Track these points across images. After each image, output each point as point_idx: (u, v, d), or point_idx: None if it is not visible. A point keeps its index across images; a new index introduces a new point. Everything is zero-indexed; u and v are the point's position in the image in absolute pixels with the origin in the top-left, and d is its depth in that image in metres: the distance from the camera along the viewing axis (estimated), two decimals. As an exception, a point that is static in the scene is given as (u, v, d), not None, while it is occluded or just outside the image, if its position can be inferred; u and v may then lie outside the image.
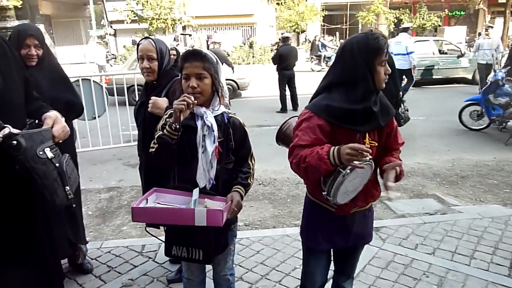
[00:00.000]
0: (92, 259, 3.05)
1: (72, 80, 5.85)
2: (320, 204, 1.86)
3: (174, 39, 17.85)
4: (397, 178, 1.77)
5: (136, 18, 20.91)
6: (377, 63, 1.68)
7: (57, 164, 1.54)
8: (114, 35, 23.65)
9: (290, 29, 22.39)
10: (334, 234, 1.90)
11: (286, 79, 9.24)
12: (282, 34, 10.65)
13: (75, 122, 5.39)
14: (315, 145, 1.66)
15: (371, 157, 1.63)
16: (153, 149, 1.85)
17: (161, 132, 1.82)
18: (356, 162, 1.56)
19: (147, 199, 1.83)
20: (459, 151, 6.18)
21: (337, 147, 1.60)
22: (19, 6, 21.06)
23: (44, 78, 2.49)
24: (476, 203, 4.26)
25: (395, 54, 10.20)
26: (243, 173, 2.00)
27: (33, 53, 2.46)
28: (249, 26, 23.94)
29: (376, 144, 1.72)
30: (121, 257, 3.10)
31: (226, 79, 8.22)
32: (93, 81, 5.79)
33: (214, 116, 1.90)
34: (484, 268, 2.90)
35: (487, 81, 8.03)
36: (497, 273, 2.84)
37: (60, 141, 1.58)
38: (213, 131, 1.84)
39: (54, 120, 1.56)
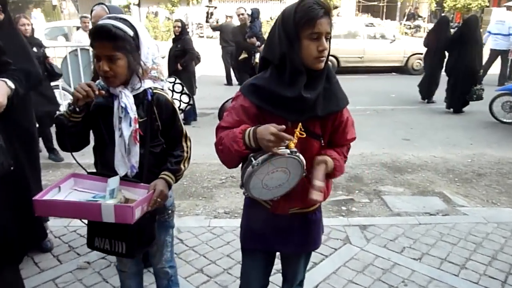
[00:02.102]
0: (55, 237, 2.96)
1: (70, 49, 5.87)
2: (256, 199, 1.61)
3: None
4: (331, 175, 1.52)
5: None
6: (305, 36, 1.38)
7: None
8: (138, 4, 23.51)
9: (322, 5, 21.48)
10: (268, 234, 1.67)
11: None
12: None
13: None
14: (245, 125, 1.44)
15: (295, 150, 1.37)
16: None
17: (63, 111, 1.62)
18: (277, 150, 1.33)
19: (59, 187, 1.63)
20: (483, 146, 5.66)
21: (254, 127, 1.37)
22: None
23: (3, 44, 2.34)
24: (487, 205, 3.84)
25: (494, 34, 9.50)
26: (174, 157, 1.76)
27: None
28: (278, 0, 23.16)
29: (304, 136, 1.43)
30: (84, 237, 2.96)
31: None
32: (92, 50, 5.65)
33: (136, 95, 1.66)
34: (473, 281, 2.57)
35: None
36: (487, 288, 2.51)
37: None
38: (128, 113, 1.61)
39: None
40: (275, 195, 1.51)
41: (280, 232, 1.67)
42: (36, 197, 1.53)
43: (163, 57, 6.36)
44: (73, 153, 1.70)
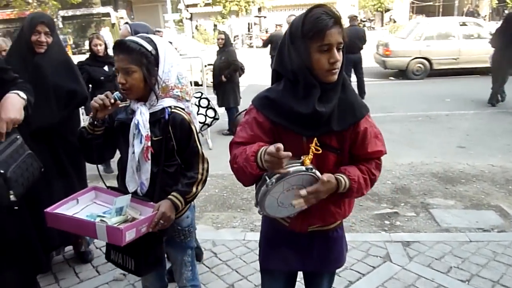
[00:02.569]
0: (97, 248, 3.07)
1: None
2: (275, 218, 1.56)
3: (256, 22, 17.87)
4: (346, 195, 1.43)
5: (210, 1, 21.22)
6: (314, 49, 1.32)
7: (1, 171, 1.64)
8: (190, 18, 24.32)
9: (373, 8, 20.85)
10: (288, 253, 1.60)
11: (351, 63, 8.58)
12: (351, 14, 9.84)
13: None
14: (253, 143, 1.39)
15: (311, 166, 1.31)
16: None
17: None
18: (290, 169, 1.27)
19: (77, 199, 1.68)
20: (549, 154, 5.16)
21: (266, 147, 1.30)
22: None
23: (49, 66, 2.52)
24: (552, 220, 3.47)
25: None
26: (187, 178, 1.74)
27: (43, 40, 2.47)
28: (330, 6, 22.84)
29: (320, 151, 1.34)
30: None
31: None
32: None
33: (153, 112, 1.67)
34: (531, 309, 2.31)
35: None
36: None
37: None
38: (139, 130, 1.62)
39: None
40: (291, 212, 1.45)
41: (300, 250, 1.60)
42: (48, 209, 1.58)
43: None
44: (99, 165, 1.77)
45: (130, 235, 1.52)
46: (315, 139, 1.35)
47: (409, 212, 3.66)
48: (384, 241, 3.07)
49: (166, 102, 1.72)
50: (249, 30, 22.43)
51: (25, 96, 1.70)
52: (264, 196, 1.33)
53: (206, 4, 21.62)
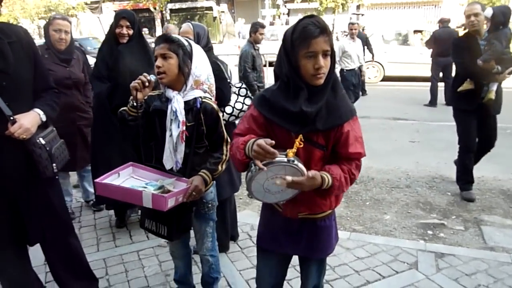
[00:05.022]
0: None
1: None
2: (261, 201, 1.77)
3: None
4: (328, 191, 1.57)
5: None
6: (302, 55, 1.49)
7: (47, 148, 2.02)
8: (288, 14, 24.56)
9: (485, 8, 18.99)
10: (281, 235, 1.80)
11: (441, 67, 8.11)
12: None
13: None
14: (248, 135, 1.63)
15: (293, 159, 1.49)
16: None
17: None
18: (275, 159, 1.47)
19: (119, 173, 2.05)
20: None
21: (255, 139, 1.53)
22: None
23: (129, 54, 3.00)
24: None
25: None
26: (213, 158, 2.03)
27: (124, 32, 2.98)
28: (433, 5, 21.43)
29: (302, 145, 1.50)
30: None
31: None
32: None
33: (187, 101, 1.97)
34: None
35: None
36: None
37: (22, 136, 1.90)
38: (177, 116, 1.92)
39: (19, 118, 1.90)
40: (279, 200, 1.64)
41: (291, 235, 1.78)
42: (97, 180, 1.95)
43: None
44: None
45: (171, 203, 1.83)
46: (301, 135, 1.53)
47: (457, 226, 3.52)
48: (417, 249, 3.04)
49: (197, 93, 2.01)
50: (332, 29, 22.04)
51: (44, 118, 2.03)
52: (250, 181, 1.54)
53: (303, 0, 21.77)
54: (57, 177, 2.14)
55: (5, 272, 2.14)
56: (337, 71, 7.27)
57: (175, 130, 1.94)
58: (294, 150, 1.51)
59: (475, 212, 3.77)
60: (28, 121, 1.92)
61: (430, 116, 7.67)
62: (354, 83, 7.13)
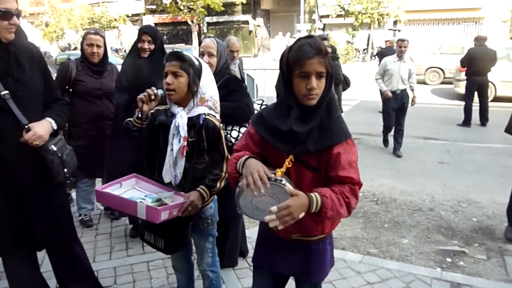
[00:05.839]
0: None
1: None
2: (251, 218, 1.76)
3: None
4: (319, 213, 1.47)
5: (342, 12, 21.11)
6: (295, 74, 1.49)
7: (59, 154, 2.13)
8: (323, 29, 24.53)
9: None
10: (274, 254, 1.79)
11: (475, 86, 7.82)
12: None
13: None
14: (243, 151, 1.66)
15: (281, 178, 1.47)
16: None
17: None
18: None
19: (121, 183, 2.10)
20: None
21: (247, 157, 1.56)
22: (244, 2, 24.86)
23: (148, 67, 3.09)
24: None
25: None
26: (212, 174, 2.04)
27: (146, 47, 3.08)
28: (473, 22, 20.80)
29: (291, 165, 1.52)
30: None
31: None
32: (247, 74, 6.31)
33: (190, 117, 2.00)
34: None
35: None
36: None
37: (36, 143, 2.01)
38: (179, 131, 1.95)
39: (33, 126, 2.01)
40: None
41: (284, 255, 1.76)
42: (98, 188, 2.02)
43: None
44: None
45: (164, 216, 1.86)
46: (291, 155, 1.52)
47: (479, 254, 3.34)
48: (431, 277, 2.91)
49: (201, 109, 2.04)
50: (367, 44, 21.83)
51: (55, 127, 2.13)
52: (238, 197, 1.54)
53: (338, 16, 21.70)
54: (68, 181, 2.23)
55: (14, 276, 2.23)
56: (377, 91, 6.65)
57: (176, 144, 1.98)
58: (283, 169, 1.50)
59: (500, 241, 3.57)
60: (42, 129, 2.03)
61: (463, 137, 7.38)
62: (395, 107, 6.16)
